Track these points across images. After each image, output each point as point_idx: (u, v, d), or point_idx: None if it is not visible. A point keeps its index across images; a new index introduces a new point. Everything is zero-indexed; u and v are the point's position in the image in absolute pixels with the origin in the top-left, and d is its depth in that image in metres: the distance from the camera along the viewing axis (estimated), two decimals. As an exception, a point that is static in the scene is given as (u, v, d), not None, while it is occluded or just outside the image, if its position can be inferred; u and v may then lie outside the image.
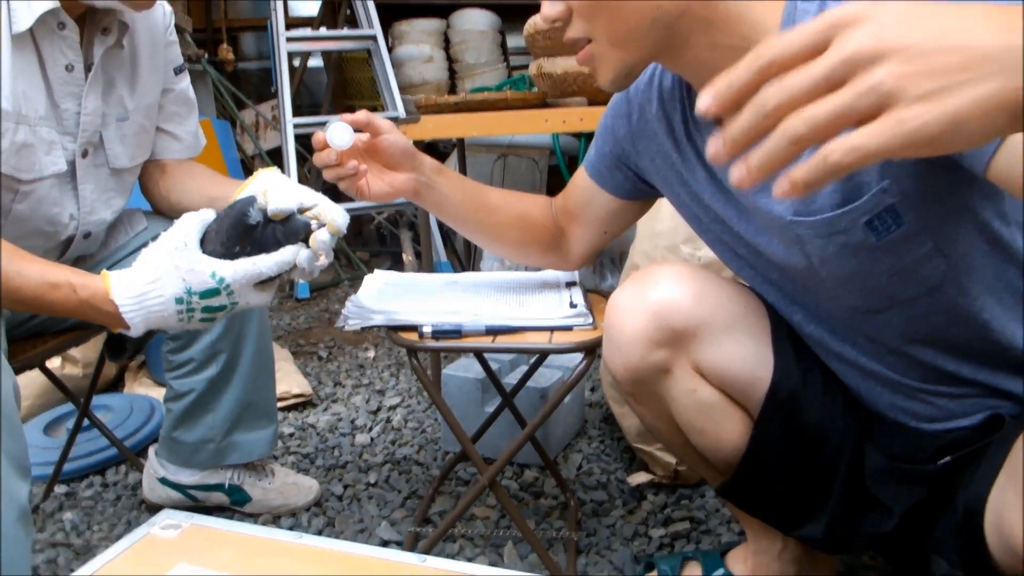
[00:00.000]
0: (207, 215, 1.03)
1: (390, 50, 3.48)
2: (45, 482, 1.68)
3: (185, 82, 1.41)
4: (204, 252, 1.00)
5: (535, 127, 1.88)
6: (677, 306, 0.99)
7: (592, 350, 1.16)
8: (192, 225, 1.01)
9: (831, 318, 0.97)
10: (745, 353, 1.00)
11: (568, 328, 1.20)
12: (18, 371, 1.27)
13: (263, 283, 1.02)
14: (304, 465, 1.75)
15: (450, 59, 3.64)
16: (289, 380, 2.09)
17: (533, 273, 1.44)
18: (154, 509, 1.55)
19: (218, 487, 1.51)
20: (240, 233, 1.01)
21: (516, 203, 1.28)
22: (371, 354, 2.47)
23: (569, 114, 1.86)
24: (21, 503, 0.96)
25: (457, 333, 1.18)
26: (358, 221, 3.68)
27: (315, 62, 4.04)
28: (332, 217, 1.04)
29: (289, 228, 1.02)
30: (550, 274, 1.42)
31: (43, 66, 1.14)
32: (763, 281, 1.03)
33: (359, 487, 1.64)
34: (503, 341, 1.17)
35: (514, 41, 3.92)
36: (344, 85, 3.84)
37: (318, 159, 1.10)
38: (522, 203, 1.28)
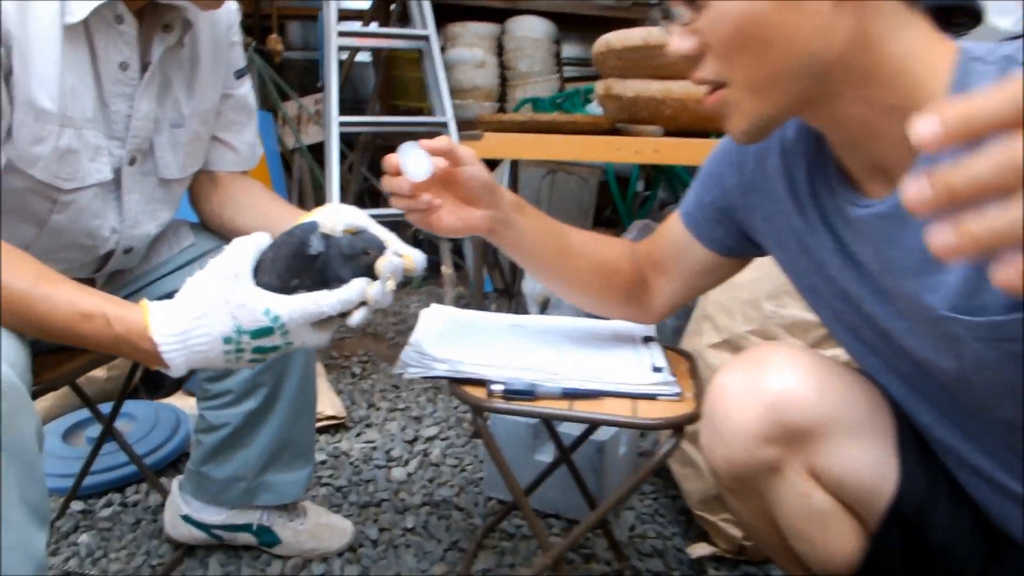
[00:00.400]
0: (262, 240, 0.90)
1: (442, 51, 3.37)
2: (62, 496, 1.58)
3: (246, 87, 1.30)
4: (257, 283, 0.88)
5: (605, 155, 1.76)
6: (796, 400, 0.87)
7: (682, 428, 1.03)
8: (245, 252, 0.88)
9: (970, 426, 0.84)
10: (868, 459, 0.87)
11: (652, 397, 1.07)
12: (42, 392, 1.17)
13: (321, 322, 0.91)
14: (337, 500, 1.64)
15: (502, 65, 3.53)
16: (322, 399, 1.98)
17: (604, 323, 1.31)
18: (176, 545, 1.44)
19: (246, 527, 1.40)
20: (299, 264, 0.88)
21: (599, 248, 1.16)
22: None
23: (643, 144, 1.74)
24: (39, 556, 0.86)
25: (530, 394, 1.06)
26: (394, 226, 3.57)
27: (363, 57, 3.94)
28: (407, 251, 0.92)
29: (363, 240, 0.89)
30: (623, 326, 1.29)
31: (95, 62, 1.03)
32: (888, 372, 0.90)
33: (396, 532, 1.52)
34: (581, 408, 1.05)
35: (568, 51, 3.80)
36: (391, 84, 3.73)
37: (388, 185, 0.98)
38: (605, 248, 1.16)
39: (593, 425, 1.43)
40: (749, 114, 0.78)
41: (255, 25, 4.01)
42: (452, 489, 1.69)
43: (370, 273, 0.89)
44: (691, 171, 2.36)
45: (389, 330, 2.76)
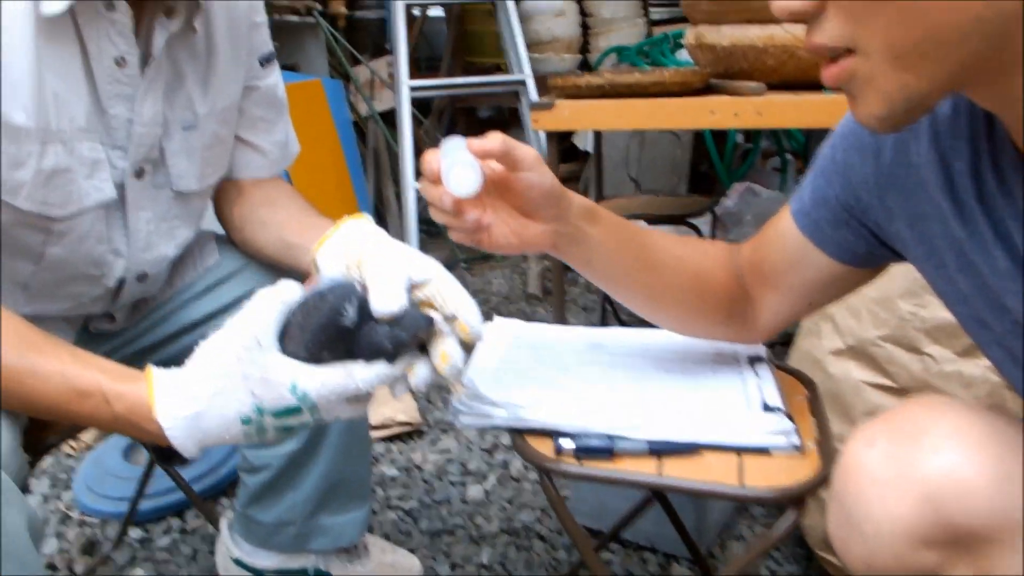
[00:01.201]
0: (289, 294, 0.74)
1: (517, 1, 3.12)
2: (120, 521, 1.48)
3: (274, 76, 1.10)
4: (283, 351, 0.73)
5: (698, 120, 1.50)
6: (965, 490, 0.63)
7: (803, 499, 0.81)
8: (268, 315, 0.73)
9: None
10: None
11: (765, 451, 0.85)
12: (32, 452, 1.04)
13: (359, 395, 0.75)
14: (406, 527, 1.48)
15: (583, 12, 3.24)
16: (394, 403, 1.83)
17: (701, 340, 1.08)
18: (231, 584, 1.32)
19: (301, 573, 1.26)
20: (331, 337, 0.73)
21: (690, 258, 0.93)
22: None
23: (742, 105, 1.47)
24: None
25: (608, 453, 0.85)
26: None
27: (436, 12, 3.71)
28: (462, 313, 0.74)
29: (403, 325, 0.73)
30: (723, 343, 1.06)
31: (86, 59, 0.85)
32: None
33: (469, 569, 1.36)
34: (673, 468, 0.83)
35: (656, -10, 3.47)
36: (465, 39, 3.50)
37: (427, 195, 0.78)
38: (698, 258, 0.93)
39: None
40: (888, 93, 0.56)
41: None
42: (534, 513, 1.51)
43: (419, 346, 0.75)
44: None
45: (481, 304, 2.58)
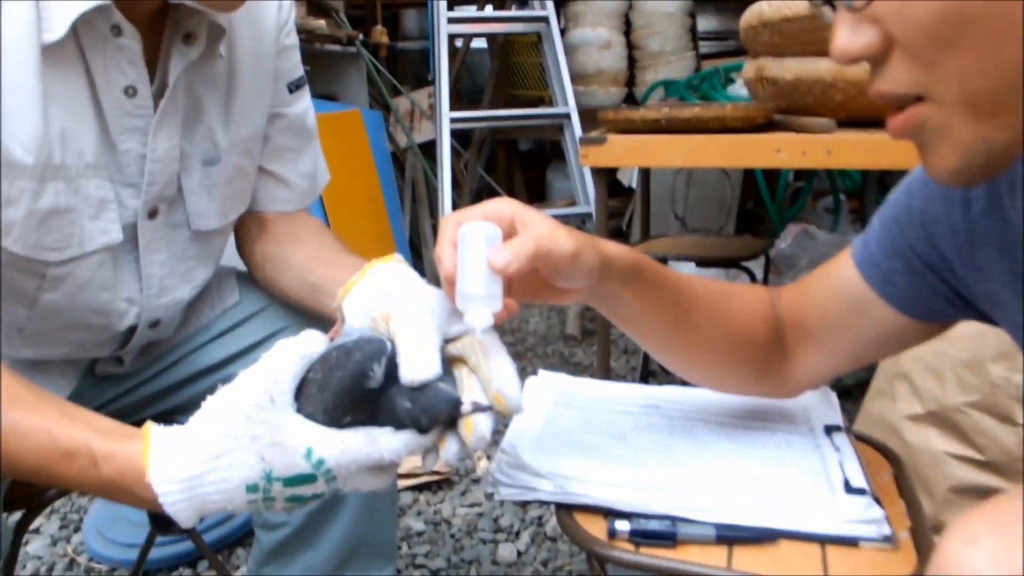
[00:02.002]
0: (310, 348, 0.65)
1: (563, 33, 3.05)
2: (128, 570, 1.39)
3: (303, 104, 1.02)
4: (299, 411, 0.64)
5: (762, 158, 1.39)
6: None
7: (904, 605, 0.68)
8: (285, 369, 0.63)
9: None
10: None
11: (852, 542, 0.73)
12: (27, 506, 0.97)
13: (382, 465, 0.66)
14: (432, 588, 1.37)
15: (630, 45, 3.16)
16: (423, 448, 1.72)
17: (766, 401, 0.96)
18: (242, 645, 1.22)
19: (316, 639, 1.15)
20: (355, 399, 0.64)
21: (728, 316, 0.83)
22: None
23: (811, 143, 1.36)
24: None
25: (671, 538, 0.73)
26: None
27: (479, 43, 3.66)
28: (498, 381, 0.64)
29: (428, 401, 0.63)
30: (794, 404, 0.95)
31: (93, 90, 0.78)
32: None
33: (499, 642, 1.24)
34: (746, 562, 0.71)
35: (704, 24, 3.39)
36: (509, 71, 3.44)
37: (444, 280, 0.67)
38: (735, 316, 0.83)
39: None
40: (964, 145, 0.50)
41: (367, 15, 3.80)
42: (570, 576, 1.39)
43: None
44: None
45: (517, 343, 2.47)
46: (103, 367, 0.98)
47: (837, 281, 0.78)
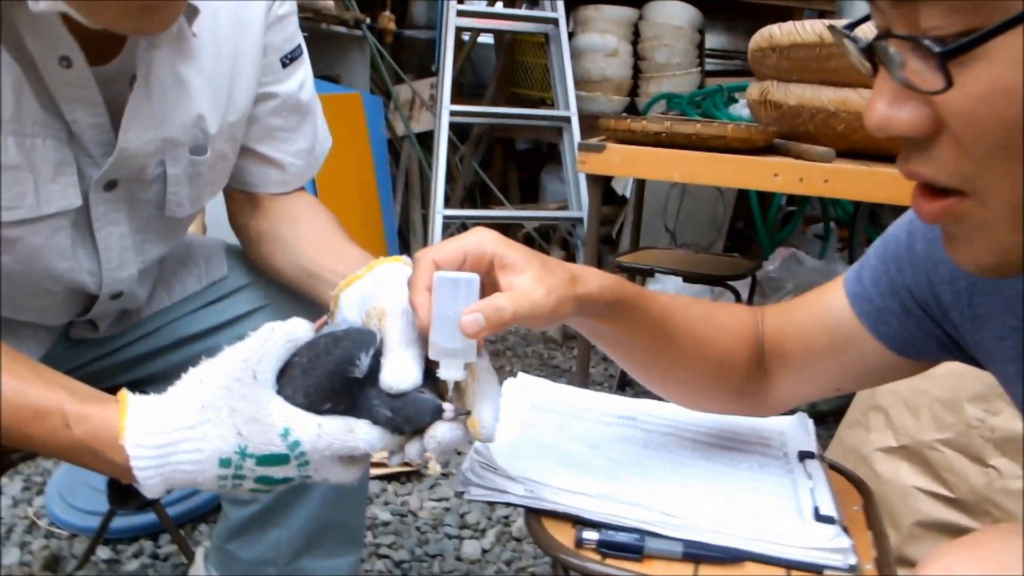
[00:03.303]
0: (298, 332, 0.64)
1: (570, 36, 3.05)
2: (89, 538, 1.38)
3: (297, 78, 0.96)
4: (280, 392, 0.64)
5: (758, 181, 1.40)
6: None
7: (865, 637, 0.69)
8: (271, 348, 0.63)
9: None
10: None
11: (817, 569, 0.73)
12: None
13: (353, 456, 0.65)
14: (393, 579, 1.37)
15: (636, 55, 3.16)
16: (396, 439, 1.71)
17: (743, 421, 0.97)
18: (199, 621, 1.21)
19: (275, 619, 1.15)
20: (337, 387, 0.63)
21: (710, 342, 0.82)
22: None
23: (809, 171, 1.37)
24: None
25: (637, 552, 0.73)
26: (504, 229, 3.29)
27: (486, 39, 3.65)
28: (478, 407, 0.64)
29: (409, 410, 0.63)
30: (770, 427, 0.95)
31: (32, 56, 0.72)
32: None
33: (456, 638, 1.24)
34: (710, 580, 0.72)
35: (712, 41, 3.40)
36: (513, 69, 3.43)
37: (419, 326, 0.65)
38: (717, 341, 0.82)
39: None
40: (1002, 248, 0.47)
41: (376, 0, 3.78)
42: (532, 579, 1.39)
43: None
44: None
45: (498, 341, 2.47)
46: (78, 331, 0.97)
47: (826, 311, 0.77)
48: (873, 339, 0.73)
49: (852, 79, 1.49)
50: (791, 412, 0.91)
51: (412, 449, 0.65)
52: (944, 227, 0.51)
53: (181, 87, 0.82)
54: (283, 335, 0.64)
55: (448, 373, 0.63)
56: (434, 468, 0.68)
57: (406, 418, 0.63)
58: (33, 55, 0.72)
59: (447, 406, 0.64)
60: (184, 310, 1.02)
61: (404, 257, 0.77)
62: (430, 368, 0.66)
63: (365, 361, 0.63)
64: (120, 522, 1.39)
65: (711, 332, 0.82)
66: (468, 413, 0.64)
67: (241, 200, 1.00)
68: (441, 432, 0.63)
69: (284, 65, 0.94)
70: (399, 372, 0.62)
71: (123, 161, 0.80)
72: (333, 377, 0.63)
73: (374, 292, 0.71)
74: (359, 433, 0.63)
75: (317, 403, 0.64)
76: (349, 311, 0.73)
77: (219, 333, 1.00)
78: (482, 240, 0.64)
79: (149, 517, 1.42)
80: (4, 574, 1.34)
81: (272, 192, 0.99)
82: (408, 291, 0.64)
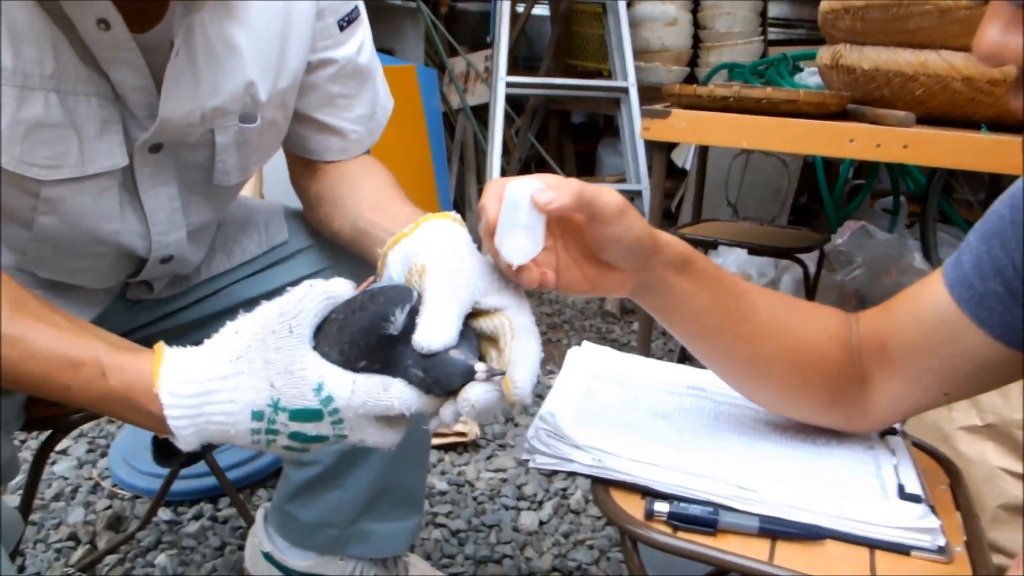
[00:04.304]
0: (337, 290, 0.63)
1: (628, 5, 2.97)
2: (150, 499, 1.39)
3: (356, 42, 0.92)
4: (316, 349, 0.62)
5: (833, 146, 1.33)
6: None
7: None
8: (308, 303, 0.62)
9: None
10: None
11: (903, 550, 0.69)
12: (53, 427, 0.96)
13: (390, 418, 0.64)
14: (451, 548, 1.36)
15: (696, 24, 3.07)
16: (451, 410, 1.70)
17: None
18: (256, 585, 1.21)
19: (332, 581, 1.14)
20: (372, 344, 0.62)
21: (796, 328, 0.77)
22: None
23: (887, 136, 1.30)
24: None
25: (711, 525, 0.70)
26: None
27: (540, 9, 3.59)
28: (514, 367, 0.62)
29: (440, 372, 0.62)
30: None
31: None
32: None
33: (513, 610, 1.22)
34: (789, 558, 0.68)
35: (775, 10, 3.29)
36: (569, 40, 3.37)
37: (483, 241, 0.65)
38: (806, 329, 0.77)
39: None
40: None
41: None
42: (591, 552, 1.36)
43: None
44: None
45: (541, 322, 2.44)
46: (134, 292, 0.96)
47: (926, 304, 0.71)
48: (977, 329, 0.67)
49: (932, 40, 1.41)
50: (893, 430, 0.84)
51: (447, 412, 0.63)
52: None
53: (230, 53, 0.79)
54: (321, 292, 0.62)
55: (513, 252, 0.61)
56: (472, 431, 0.65)
57: (435, 380, 0.61)
58: (70, 18, 0.70)
59: (480, 366, 0.61)
60: (243, 273, 1.01)
61: (453, 213, 0.75)
62: (470, 328, 0.65)
63: (400, 317, 0.61)
64: (181, 485, 1.41)
65: (798, 322, 0.77)
66: (503, 374, 0.62)
67: (301, 164, 0.98)
68: (475, 394, 0.61)
69: (341, 28, 0.90)
70: (430, 331, 0.61)
71: (166, 129, 0.78)
72: (368, 334, 0.62)
73: (417, 249, 0.69)
74: (394, 392, 0.62)
75: (352, 360, 0.62)
76: (395, 270, 0.71)
77: (277, 297, 0.99)
78: (557, 178, 0.64)
79: (209, 481, 1.44)
80: (69, 532, 1.37)
81: (333, 160, 0.97)
82: (481, 200, 0.64)
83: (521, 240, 0.62)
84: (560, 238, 0.68)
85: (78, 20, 0.70)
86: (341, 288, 0.63)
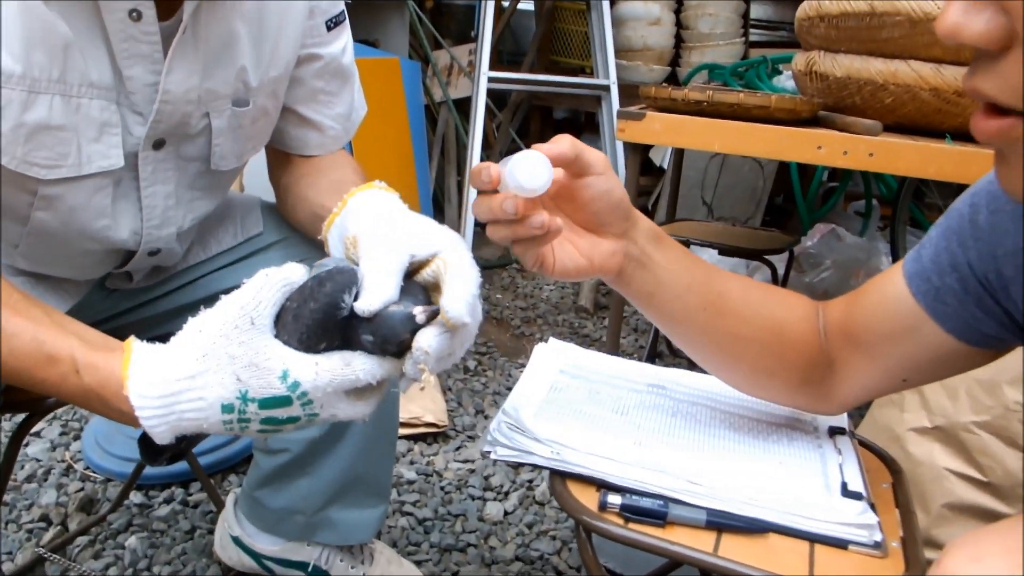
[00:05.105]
0: (293, 276, 0.64)
1: (612, 4, 3.00)
2: (122, 483, 1.41)
3: (341, 42, 0.97)
4: (276, 337, 0.64)
5: (801, 152, 1.37)
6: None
7: (887, 613, 0.68)
8: (266, 294, 0.63)
9: None
10: None
11: (841, 544, 0.73)
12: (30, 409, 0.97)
13: (360, 389, 0.66)
14: (416, 536, 1.38)
15: (679, 24, 3.10)
16: (423, 400, 1.73)
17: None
18: (226, 569, 1.24)
19: (300, 566, 1.17)
20: (328, 329, 0.64)
21: (769, 308, 0.80)
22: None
23: (854, 144, 1.33)
24: None
25: (660, 517, 0.73)
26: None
27: (526, 5, 3.61)
28: (448, 292, 0.64)
29: (385, 327, 0.64)
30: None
31: (99, 10, 0.73)
32: None
33: (477, 596, 1.25)
34: (733, 550, 0.71)
35: (757, 11, 3.32)
36: (553, 37, 3.39)
37: (483, 209, 0.67)
38: (777, 310, 0.81)
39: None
40: None
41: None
42: (554, 543, 1.40)
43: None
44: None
45: (515, 316, 2.47)
46: (113, 281, 0.98)
47: (888, 296, 0.74)
48: (934, 324, 0.70)
49: (903, 50, 1.44)
50: (856, 411, 0.88)
51: (408, 367, 0.64)
52: (999, 150, 0.48)
53: (230, 40, 0.83)
54: (278, 280, 0.64)
55: (528, 178, 0.63)
56: (427, 380, 0.67)
57: (384, 338, 0.63)
58: (102, 9, 0.72)
59: (417, 309, 0.63)
60: (219, 264, 1.03)
61: (377, 182, 0.77)
62: (415, 283, 0.67)
63: (349, 301, 0.64)
64: (153, 469, 1.42)
65: (770, 300, 0.81)
66: (438, 309, 0.63)
67: (278, 156, 1.01)
68: (425, 340, 0.63)
69: (329, 28, 0.95)
70: (366, 294, 0.63)
71: (167, 109, 0.80)
72: (323, 323, 0.64)
73: (347, 223, 0.71)
74: (356, 365, 0.64)
75: (312, 346, 0.64)
76: (335, 247, 0.74)
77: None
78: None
79: (181, 465, 1.45)
80: (41, 513, 1.38)
81: (309, 155, 0.99)
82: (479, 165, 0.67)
83: (533, 167, 0.63)
84: (553, 214, 0.70)
85: (110, 11, 0.72)
86: (296, 274, 0.64)
